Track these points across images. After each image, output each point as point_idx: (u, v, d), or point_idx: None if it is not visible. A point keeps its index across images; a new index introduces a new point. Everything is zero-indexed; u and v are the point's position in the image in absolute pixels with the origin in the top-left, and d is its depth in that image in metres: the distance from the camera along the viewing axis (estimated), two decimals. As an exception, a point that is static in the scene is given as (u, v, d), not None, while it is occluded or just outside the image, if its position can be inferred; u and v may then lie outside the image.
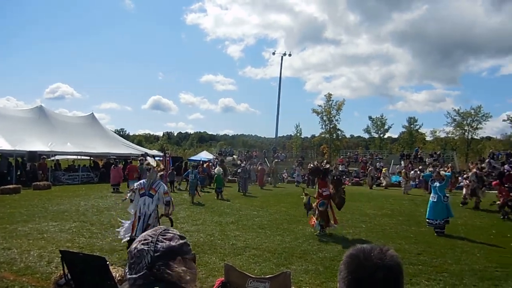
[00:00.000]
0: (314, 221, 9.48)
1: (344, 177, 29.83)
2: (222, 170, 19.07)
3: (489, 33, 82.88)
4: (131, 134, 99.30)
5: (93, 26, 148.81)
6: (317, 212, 9.49)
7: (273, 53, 48.52)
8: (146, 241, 1.20)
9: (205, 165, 23.97)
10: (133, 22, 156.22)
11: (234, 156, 39.46)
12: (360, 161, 36.35)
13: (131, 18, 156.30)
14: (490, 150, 38.18)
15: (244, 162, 26.15)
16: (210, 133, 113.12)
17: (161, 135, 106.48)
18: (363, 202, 16.56)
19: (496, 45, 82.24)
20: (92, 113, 30.06)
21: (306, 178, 26.69)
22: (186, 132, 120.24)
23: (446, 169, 17.27)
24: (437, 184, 10.15)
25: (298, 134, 59.20)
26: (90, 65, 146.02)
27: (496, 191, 13.72)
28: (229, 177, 26.22)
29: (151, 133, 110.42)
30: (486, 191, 16.02)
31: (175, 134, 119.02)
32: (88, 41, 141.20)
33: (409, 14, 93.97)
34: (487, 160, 28.19)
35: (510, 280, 5.99)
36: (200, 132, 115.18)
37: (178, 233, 1.28)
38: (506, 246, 8.43)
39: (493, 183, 13.53)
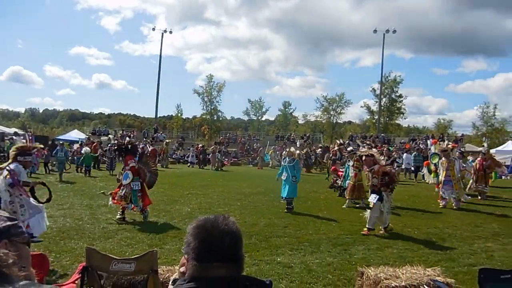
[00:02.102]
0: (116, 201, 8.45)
1: (224, 157, 30.68)
2: (89, 149, 19.31)
3: (351, 28, 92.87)
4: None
5: None
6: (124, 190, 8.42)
7: (153, 29, 46.74)
8: None
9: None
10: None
11: (109, 135, 37.02)
12: (239, 142, 37.65)
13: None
14: (350, 133, 43.35)
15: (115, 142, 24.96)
16: (83, 111, 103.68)
17: (23, 111, 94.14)
18: (240, 181, 17.30)
19: (356, 39, 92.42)
20: None
21: (197, 158, 26.73)
22: (54, 109, 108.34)
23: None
24: (286, 159, 10.37)
25: (179, 114, 58.44)
26: None
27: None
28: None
29: (10, 109, 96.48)
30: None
31: (41, 111, 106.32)
32: None
33: (284, 2, 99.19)
34: (347, 142, 31.88)
35: (356, 245, 6.97)
36: (71, 109, 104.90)
37: (7, 215, 1.17)
38: (356, 216, 9.72)
39: (332, 168, 14.98)
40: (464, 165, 12.17)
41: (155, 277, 2.91)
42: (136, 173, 8.53)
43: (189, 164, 27.25)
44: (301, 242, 7.04)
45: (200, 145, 29.12)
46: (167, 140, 29.74)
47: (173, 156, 29.35)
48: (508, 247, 7.08)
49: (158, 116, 54.48)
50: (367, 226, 7.79)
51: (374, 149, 9.14)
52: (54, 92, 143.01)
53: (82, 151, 18.64)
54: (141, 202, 8.47)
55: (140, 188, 8.50)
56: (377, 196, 7.68)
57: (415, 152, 21.68)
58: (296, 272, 5.41)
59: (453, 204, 11.11)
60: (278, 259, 5.98)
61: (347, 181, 11.61)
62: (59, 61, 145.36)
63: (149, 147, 25.21)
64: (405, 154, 22.97)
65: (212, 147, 27.31)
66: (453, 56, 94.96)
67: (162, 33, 44.57)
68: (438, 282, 3.80)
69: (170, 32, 45.44)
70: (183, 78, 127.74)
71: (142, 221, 8.39)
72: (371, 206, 7.82)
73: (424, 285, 3.99)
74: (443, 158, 11.50)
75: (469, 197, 12.04)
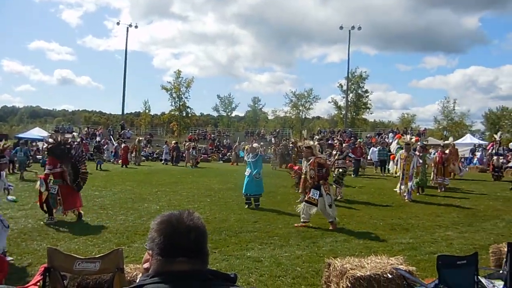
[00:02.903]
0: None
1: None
2: None
3: (318, 24, 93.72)
4: None
5: None
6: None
7: (118, 23, 45.12)
8: None
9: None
10: None
11: (74, 133, 35.76)
12: (208, 138, 37.42)
13: None
14: (318, 128, 44.06)
15: (80, 139, 24.19)
16: (44, 108, 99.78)
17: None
18: (210, 178, 17.22)
19: (323, 35, 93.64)
20: None
21: (171, 155, 26.36)
22: (13, 106, 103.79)
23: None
24: (250, 155, 10.30)
25: (147, 111, 57.26)
26: None
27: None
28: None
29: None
30: None
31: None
32: None
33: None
34: (316, 137, 32.36)
35: (324, 237, 7.12)
36: (31, 106, 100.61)
37: None
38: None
39: (289, 165, 14.52)
40: (421, 161, 12.33)
41: (121, 275, 2.87)
42: (59, 176, 8.05)
43: (163, 161, 26.92)
44: (271, 236, 7.11)
45: (174, 141, 28.77)
46: (140, 138, 29.24)
47: (142, 154, 28.82)
48: (466, 235, 7.45)
49: (125, 112, 53.27)
50: (329, 220, 7.80)
51: (312, 142, 9.16)
52: (13, 88, 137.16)
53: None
54: (60, 206, 7.91)
55: (57, 191, 7.92)
56: (318, 192, 7.71)
57: (379, 146, 22.31)
58: (265, 266, 5.47)
59: (406, 198, 11.33)
60: (248, 254, 6.02)
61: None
62: (17, 55, 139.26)
63: (121, 145, 24.88)
64: (372, 148, 23.63)
65: (187, 143, 27.18)
66: (415, 53, 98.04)
67: (127, 28, 43.42)
68: (401, 270, 3.95)
69: (136, 27, 44.31)
70: (150, 74, 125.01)
71: (109, 220, 8.21)
72: (313, 202, 7.78)
73: (388, 274, 4.14)
74: (403, 151, 11.71)
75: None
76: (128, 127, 44.19)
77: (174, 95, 51.69)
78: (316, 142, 17.45)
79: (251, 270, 5.29)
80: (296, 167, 13.41)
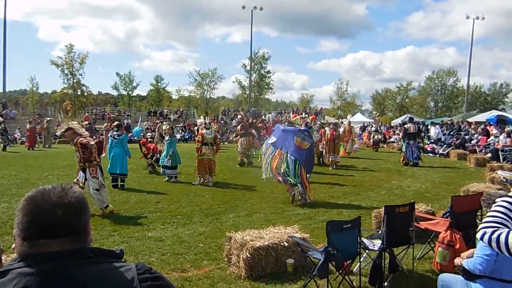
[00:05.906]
0: None
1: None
2: None
3: (220, 3, 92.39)
4: None
5: None
6: None
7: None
8: None
9: None
10: None
11: None
12: (107, 118, 35.16)
13: None
14: (223, 108, 44.32)
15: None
16: None
17: None
18: (109, 160, 16.27)
19: (226, 15, 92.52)
20: None
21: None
22: None
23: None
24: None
25: (35, 88, 51.47)
26: None
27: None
28: None
29: None
30: None
31: None
32: None
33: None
34: (220, 116, 32.56)
35: (227, 213, 7.29)
36: None
37: None
38: (227, 186, 10.14)
39: (142, 141, 13.29)
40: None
41: (-1, 265, 2.58)
42: None
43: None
44: (174, 216, 7.05)
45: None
46: (48, 118, 26.13)
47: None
48: (354, 203, 8.27)
49: (8, 90, 47.22)
50: (100, 207, 7.06)
51: (74, 123, 8.18)
52: None
53: None
54: None
55: None
56: (84, 175, 7.06)
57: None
58: (168, 245, 5.42)
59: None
60: (150, 234, 5.90)
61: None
62: None
63: (27, 126, 21.99)
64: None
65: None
66: (312, 36, 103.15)
67: (5, -7, 37.94)
68: (295, 238, 4.23)
69: (17, -8, 38.97)
70: (36, 47, 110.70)
71: (-11, 209, 7.31)
72: (80, 185, 6.96)
73: (284, 242, 4.42)
74: None
75: None
76: (12, 106, 39.28)
77: (66, 71, 47.28)
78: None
79: (152, 250, 5.21)
80: (149, 144, 13.07)
